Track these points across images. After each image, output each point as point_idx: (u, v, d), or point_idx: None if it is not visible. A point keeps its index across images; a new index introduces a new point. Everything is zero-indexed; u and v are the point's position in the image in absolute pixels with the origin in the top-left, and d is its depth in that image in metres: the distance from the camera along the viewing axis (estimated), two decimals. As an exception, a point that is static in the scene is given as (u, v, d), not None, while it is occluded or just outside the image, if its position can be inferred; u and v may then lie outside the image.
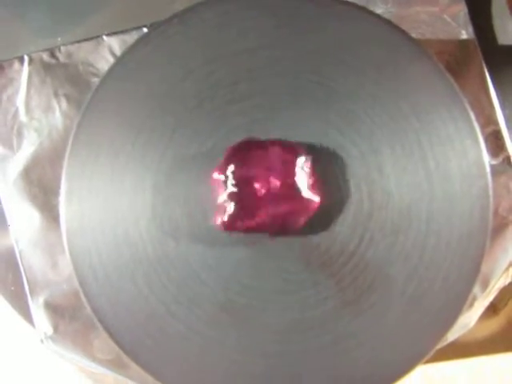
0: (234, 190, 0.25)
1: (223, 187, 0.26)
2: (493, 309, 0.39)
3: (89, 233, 0.26)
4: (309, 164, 0.26)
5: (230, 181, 0.25)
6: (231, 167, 0.25)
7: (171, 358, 0.26)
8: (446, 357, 0.39)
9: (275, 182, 0.25)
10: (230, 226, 0.26)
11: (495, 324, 0.39)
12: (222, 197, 0.26)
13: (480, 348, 0.39)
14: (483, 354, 0.40)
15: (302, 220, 0.26)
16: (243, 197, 0.25)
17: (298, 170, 0.25)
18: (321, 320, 0.26)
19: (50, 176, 0.32)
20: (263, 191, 0.25)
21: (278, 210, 0.25)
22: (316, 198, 0.26)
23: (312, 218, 0.26)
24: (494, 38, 0.34)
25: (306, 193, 0.25)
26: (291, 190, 0.25)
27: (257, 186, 0.25)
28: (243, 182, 0.25)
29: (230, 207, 0.25)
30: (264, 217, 0.25)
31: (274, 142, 0.26)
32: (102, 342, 0.31)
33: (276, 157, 0.26)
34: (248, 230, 0.26)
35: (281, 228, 0.26)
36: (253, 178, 0.25)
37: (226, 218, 0.25)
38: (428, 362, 0.40)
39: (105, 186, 0.27)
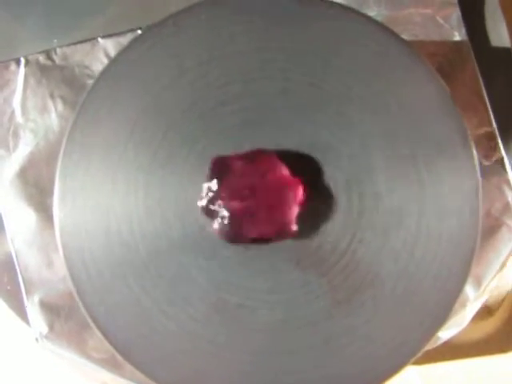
0: (225, 205, 0.26)
1: (212, 198, 0.26)
2: (487, 310, 0.39)
3: (82, 231, 0.27)
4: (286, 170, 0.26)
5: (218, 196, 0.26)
6: (216, 183, 0.26)
7: (163, 357, 0.26)
8: (443, 357, 0.39)
9: (263, 194, 0.26)
10: (231, 239, 0.26)
11: (490, 325, 0.39)
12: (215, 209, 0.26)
13: (476, 349, 0.39)
14: (479, 356, 0.40)
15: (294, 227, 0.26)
16: (236, 212, 0.26)
17: (282, 177, 0.26)
18: (312, 319, 0.26)
19: (46, 176, 0.32)
20: (254, 205, 0.26)
21: (270, 223, 0.26)
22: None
23: (303, 217, 0.26)
24: (486, 40, 0.34)
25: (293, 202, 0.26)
26: (279, 199, 0.26)
27: (246, 199, 0.26)
28: (231, 196, 0.26)
29: (226, 222, 0.26)
30: (260, 232, 0.26)
31: (254, 153, 0.26)
32: (97, 341, 0.31)
33: (260, 168, 0.26)
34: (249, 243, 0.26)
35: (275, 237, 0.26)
36: (240, 191, 0.26)
37: (224, 232, 0.26)
38: (425, 362, 0.40)
39: (98, 186, 0.27)
